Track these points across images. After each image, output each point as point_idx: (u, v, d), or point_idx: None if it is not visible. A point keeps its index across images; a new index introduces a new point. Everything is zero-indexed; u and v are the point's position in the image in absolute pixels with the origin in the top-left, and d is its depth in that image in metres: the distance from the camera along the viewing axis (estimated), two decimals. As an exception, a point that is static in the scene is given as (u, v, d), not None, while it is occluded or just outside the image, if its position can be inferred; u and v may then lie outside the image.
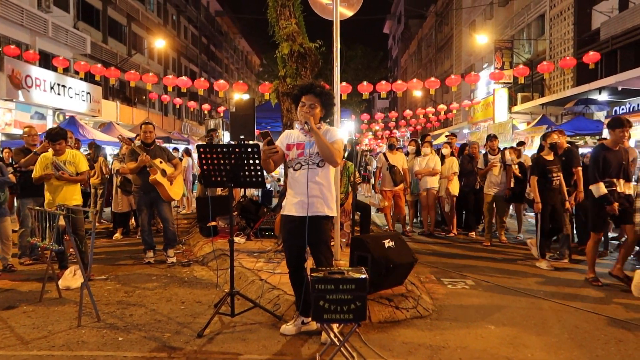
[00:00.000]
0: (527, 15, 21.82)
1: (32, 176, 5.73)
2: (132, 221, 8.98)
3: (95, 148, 9.90)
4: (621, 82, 11.94)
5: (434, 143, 10.60)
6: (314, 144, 3.64)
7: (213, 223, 7.56)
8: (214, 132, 11.17)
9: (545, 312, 4.56)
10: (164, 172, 6.35)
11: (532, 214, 7.90)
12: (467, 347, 3.74)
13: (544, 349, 3.71)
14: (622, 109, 12.62)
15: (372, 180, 16.59)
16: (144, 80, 14.62)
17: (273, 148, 3.60)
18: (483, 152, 8.62)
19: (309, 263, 3.84)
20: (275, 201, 11.80)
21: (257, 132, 8.46)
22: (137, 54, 26.58)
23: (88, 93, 18.99)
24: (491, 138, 8.38)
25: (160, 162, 6.38)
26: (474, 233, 8.78)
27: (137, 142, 6.64)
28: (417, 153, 9.20)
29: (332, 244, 5.48)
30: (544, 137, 6.71)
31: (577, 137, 12.73)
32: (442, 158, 8.97)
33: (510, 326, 4.19)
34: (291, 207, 3.70)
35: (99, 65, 13.79)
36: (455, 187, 8.71)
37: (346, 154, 7.00)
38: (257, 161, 3.86)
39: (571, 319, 4.38)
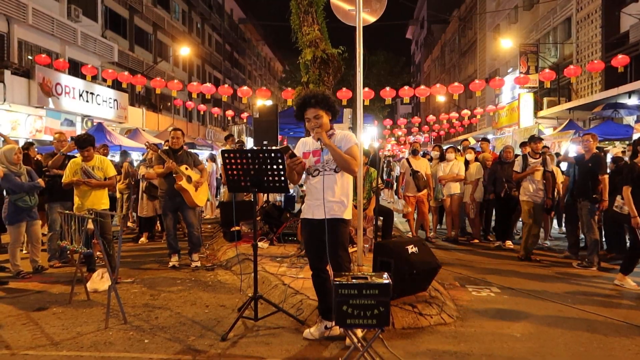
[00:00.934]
0: (553, 19, 21.49)
1: (62, 181, 5.89)
2: (158, 226, 9.13)
3: (122, 154, 10.14)
4: (651, 86, 11.65)
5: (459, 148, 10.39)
6: (328, 151, 3.69)
7: (237, 228, 7.64)
8: (231, 137, 11.28)
9: (573, 321, 4.47)
10: (189, 179, 6.44)
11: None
12: (492, 355, 3.68)
13: (572, 358, 3.63)
14: (653, 114, 12.31)
15: (395, 186, 16.51)
16: (169, 87, 14.89)
17: (297, 159, 3.67)
18: (520, 154, 8.30)
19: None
20: (298, 206, 11.83)
21: (279, 137, 8.52)
22: (162, 61, 27.08)
23: (115, 100, 19.43)
24: (535, 140, 7.64)
25: (186, 169, 6.48)
26: (510, 242, 8.26)
27: (162, 149, 6.76)
28: (441, 158, 9.13)
29: (354, 249, 5.49)
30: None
31: (607, 142, 12.45)
32: (467, 164, 8.87)
33: (536, 334, 4.11)
34: (309, 211, 3.77)
35: (126, 72, 14.10)
36: (479, 193, 8.59)
37: (368, 161, 6.98)
38: (280, 166, 3.89)
39: (600, 328, 4.28)
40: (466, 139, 11.03)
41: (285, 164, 3.83)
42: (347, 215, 3.76)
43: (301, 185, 14.86)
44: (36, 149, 8.08)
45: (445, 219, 9.34)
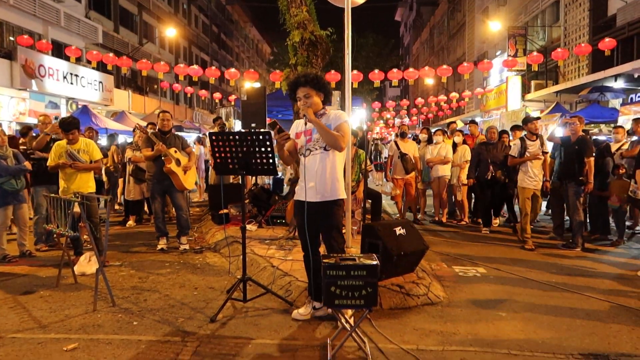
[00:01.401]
0: (541, 2, 21.48)
1: (47, 164, 5.81)
2: (146, 209, 9.08)
3: (109, 137, 10.05)
4: (637, 69, 11.75)
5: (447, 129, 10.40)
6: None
7: (225, 211, 7.63)
8: (220, 120, 11.19)
9: (557, 300, 4.55)
10: (178, 162, 6.41)
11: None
12: (477, 333, 3.75)
13: (555, 336, 3.71)
14: (639, 97, 12.43)
15: (384, 169, 16.54)
16: (155, 70, 14.69)
17: (284, 134, 3.66)
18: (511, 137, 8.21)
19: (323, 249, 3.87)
20: (286, 189, 11.83)
21: (268, 120, 8.49)
22: (148, 43, 26.65)
23: (100, 82, 19.14)
24: (531, 120, 7.30)
25: (175, 152, 6.44)
26: (497, 222, 8.51)
27: (151, 131, 6.69)
28: (429, 141, 9.17)
29: (343, 231, 5.52)
30: None
31: (592, 125, 12.57)
32: (454, 146, 8.92)
33: (521, 313, 4.19)
34: (302, 192, 3.76)
35: (111, 54, 13.86)
36: (466, 176, 8.62)
37: (357, 142, 6.98)
38: (268, 149, 3.88)
39: (583, 307, 4.37)
40: (454, 122, 11.06)
41: (273, 147, 3.84)
42: (341, 194, 3.76)
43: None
44: (34, 133, 7.88)
45: (433, 201, 9.42)
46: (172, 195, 6.57)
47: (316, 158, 3.72)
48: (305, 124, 3.75)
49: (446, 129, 10.60)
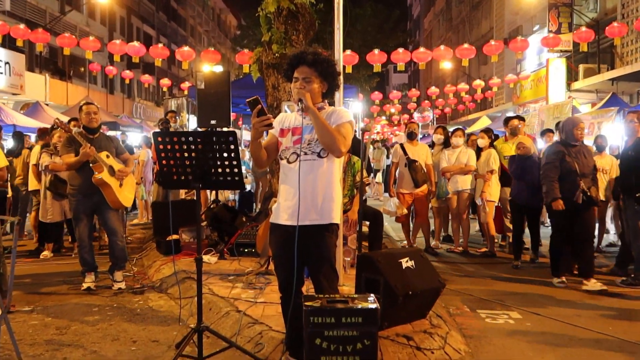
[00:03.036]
0: (592, -39, 21.89)
1: None
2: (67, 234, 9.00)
3: (18, 138, 9.93)
4: None
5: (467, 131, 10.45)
6: (313, 129, 3.66)
7: (174, 236, 7.58)
8: (173, 114, 11.17)
9: (615, 356, 4.59)
10: (111, 170, 6.36)
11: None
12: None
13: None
14: None
15: (383, 179, 16.64)
16: (82, 47, 14.63)
17: (265, 119, 3.58)
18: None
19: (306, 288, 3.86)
20: (258, 207, 11.80)
21: (233, 115, 8.50)
22: (72, 11, 26.56)
23: (7, 63, 18.96)
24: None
25: (108, 157, 6.40)
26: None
27: (75, 129, 6.65)
28: (445, 144, 9.24)
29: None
30: None
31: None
32: (478, 151, 8.98)
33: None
34: (283, 212, 3.72)
35: (22, 26, 13.81)
36: (494, 191, 8.66)
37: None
38: (233, 154, 3.86)
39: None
40: (476, 134, 10.37)
41: (239, 151, 3.82)
42: (337, 217, 3.75)
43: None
44: None
45: (451, 223, 9.45)
46: (103, 216, 6.51)
47: (306, 166, 3.68)
48: (299, 111, 3.69)
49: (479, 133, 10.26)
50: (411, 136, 9.05)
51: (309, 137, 3.71)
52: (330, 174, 3.72)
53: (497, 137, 9.85)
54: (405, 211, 8.69)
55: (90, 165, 6.27)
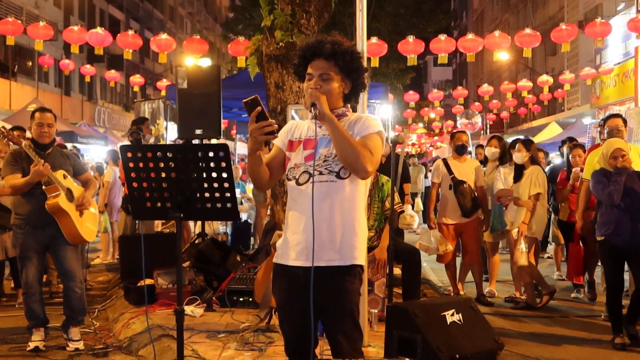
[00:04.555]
0: None
1: None
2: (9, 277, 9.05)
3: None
4: None
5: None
6: (331, 141, 3.65)
7: (148, 281, 7.60)
8: (145, 122, 11.23)
9: None
10: (69, 194, 6.39)
11: None
12: None
13: None
14: None
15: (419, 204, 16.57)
16: (29, 35, 14.76)
17: (266, 125, 3.55)
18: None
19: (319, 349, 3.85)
20: (257, 243, 11.80)
21: (224, 123, 8.54)
22: (19, -10, 26.96)
23: None
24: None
25: (65, 177, 6.43)
26: None
27: (24, 142, 6.65)
28: (502, 160, 9.20)
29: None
30: None
31: None
32: (519, 170, 8.63)
33: None
34: (291, 249, 3.71)
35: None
36: (538, 223, 8.50)
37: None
38: (224, 174, 3.87)
39: None
40: (541, 146, 10.55)
41: (232, 170, 3.82)
42: (360, 257, 3.72)
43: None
44: None
45: (511, 265, 9.38)
46: (58, 254, 6.52)
47: (322, 189, 3.65)
48: (314, 119, 3.60)
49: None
50: (460, 150, 8.93)
51: (325, 151, 3.68)
52: (352, 200, 3.69)
53: (580, 146, 9.76)
54: (450, 248, 8.65)
55: (43, 187, 6.28)
